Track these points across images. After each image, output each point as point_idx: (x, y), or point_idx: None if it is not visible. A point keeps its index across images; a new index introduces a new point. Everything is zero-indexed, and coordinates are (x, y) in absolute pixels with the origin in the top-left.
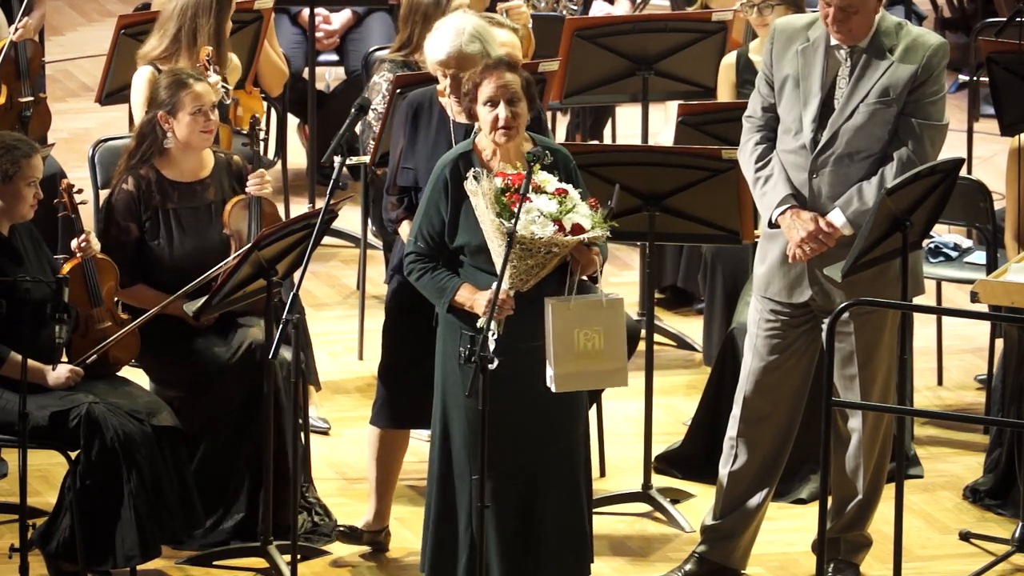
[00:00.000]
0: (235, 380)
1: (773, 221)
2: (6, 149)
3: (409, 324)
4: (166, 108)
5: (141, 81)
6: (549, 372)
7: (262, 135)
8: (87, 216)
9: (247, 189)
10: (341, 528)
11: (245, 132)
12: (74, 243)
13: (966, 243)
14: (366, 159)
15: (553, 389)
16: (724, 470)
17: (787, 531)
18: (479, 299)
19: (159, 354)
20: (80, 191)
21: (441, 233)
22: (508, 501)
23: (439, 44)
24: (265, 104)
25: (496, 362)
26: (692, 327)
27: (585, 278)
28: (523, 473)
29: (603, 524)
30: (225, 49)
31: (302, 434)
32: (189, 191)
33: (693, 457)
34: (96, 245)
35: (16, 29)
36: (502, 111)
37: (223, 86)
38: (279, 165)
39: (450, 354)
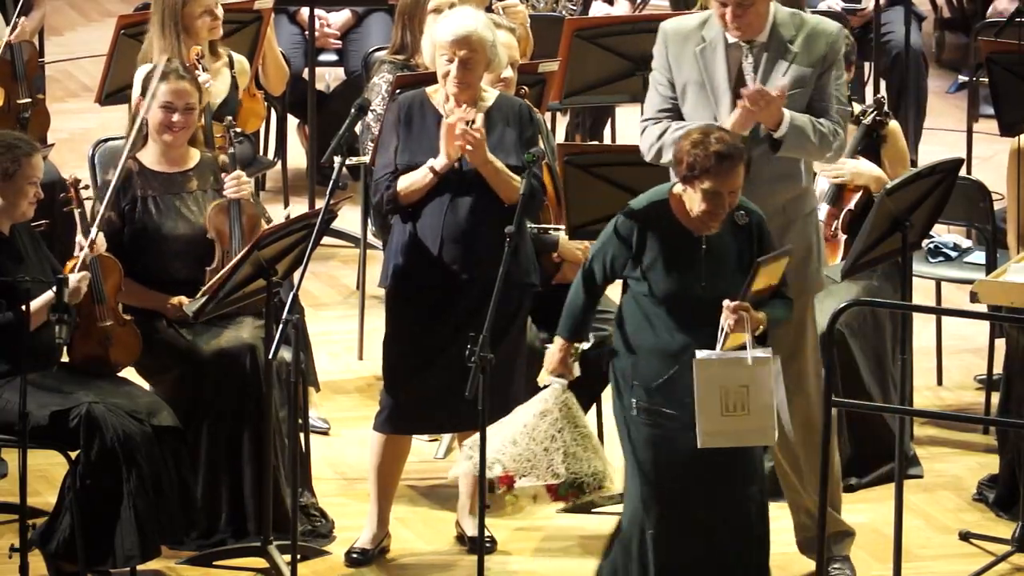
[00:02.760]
0: (219, 377)
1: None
2: (7, 147)
3: (409, 332)
4: (144, 93)
5: (141, 80)
6: (697, 428)
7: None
8: None
9: (224, 192)
10: (354, 555)
11: (244, 135)
12: (79, 239)
13: (966, 243)
14: (366, 159)
15: (699, 445)
16: None
17: (787, 531)
18: (554, 355)
19: (149, 348)
20: (86, 187)
21: (619, 269)
22: (687, 553)
23: (450, 25)
24: (265, 105)
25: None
26: None
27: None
28: (700, 526)
29: (603, 524)
30: (190, 43)
31: (302, 435)
32: (170, 180)
33: None
34: (101, 242)
35: (14, 27)
36: (721, 204)
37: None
38: (279, 165)
39: (622, 406)
